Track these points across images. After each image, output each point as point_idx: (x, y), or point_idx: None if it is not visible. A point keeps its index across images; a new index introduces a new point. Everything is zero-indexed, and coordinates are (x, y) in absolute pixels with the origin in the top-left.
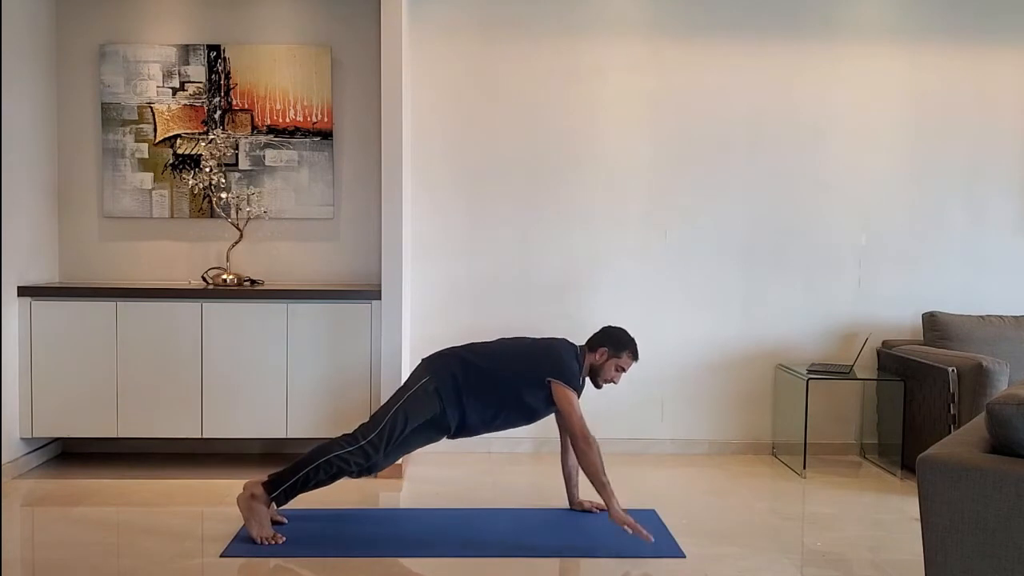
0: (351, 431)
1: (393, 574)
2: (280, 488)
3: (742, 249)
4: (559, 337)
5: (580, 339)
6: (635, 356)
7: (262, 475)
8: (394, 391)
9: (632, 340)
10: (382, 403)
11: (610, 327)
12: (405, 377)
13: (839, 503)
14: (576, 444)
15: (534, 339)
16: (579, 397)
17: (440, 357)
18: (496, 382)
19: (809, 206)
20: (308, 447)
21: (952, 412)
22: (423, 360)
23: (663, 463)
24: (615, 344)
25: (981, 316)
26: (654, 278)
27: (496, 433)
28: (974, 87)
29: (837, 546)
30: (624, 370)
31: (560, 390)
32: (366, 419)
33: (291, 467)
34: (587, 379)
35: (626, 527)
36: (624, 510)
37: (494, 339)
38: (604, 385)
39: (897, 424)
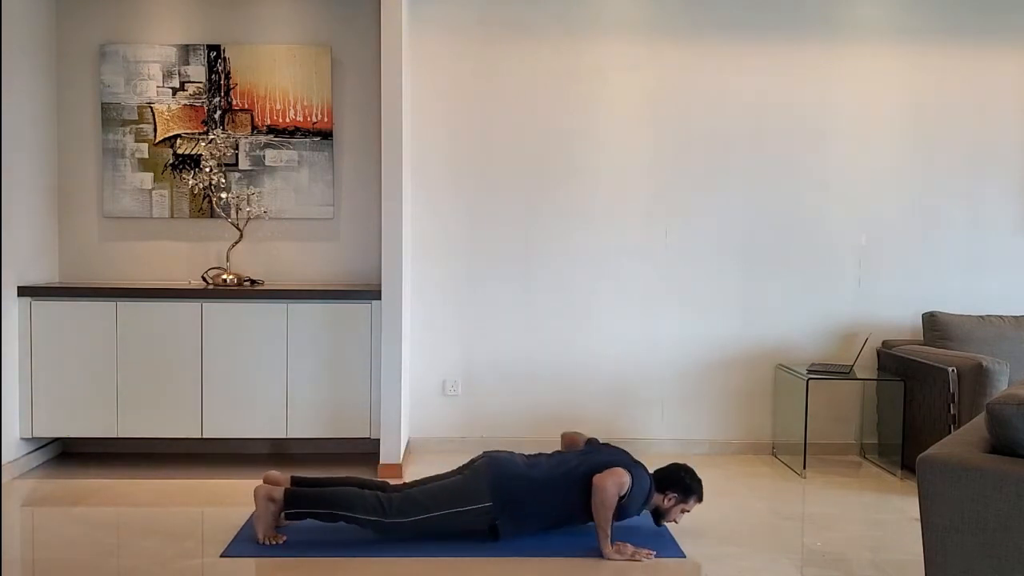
0: (394, 495)
1: (393, 574)
2: (299, 510)
3: (742, 249)
4: (633, 462)
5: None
6: (701, 499)
7: (260, 473)
8: (449, 474)
9: (700, 485)
10: (382, 405)
11: (680, 468)
12: (406, 377)
13: (839, 503)
14: (595, 496)
15: (606, 464)
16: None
17: (506, 480)
18: (558, 508)
19: (809, 206)
20: (308, 448)
21: (952, 412)
22: (488, 467)
23: (663, 463)
24: (685, 490)
25: (981, 316)
26: (654, 277)
27: (497, 435)
28: (974, 87)
29: (837, 546)
30: (688, 512)
31: (616, 472)
32: (366, 420)
33: (319, 497)
34: (647, 511)
35: (623, 559)
36: (614, 544)
37: (559, 455)
38: (665, 524)
39: (897, 424)
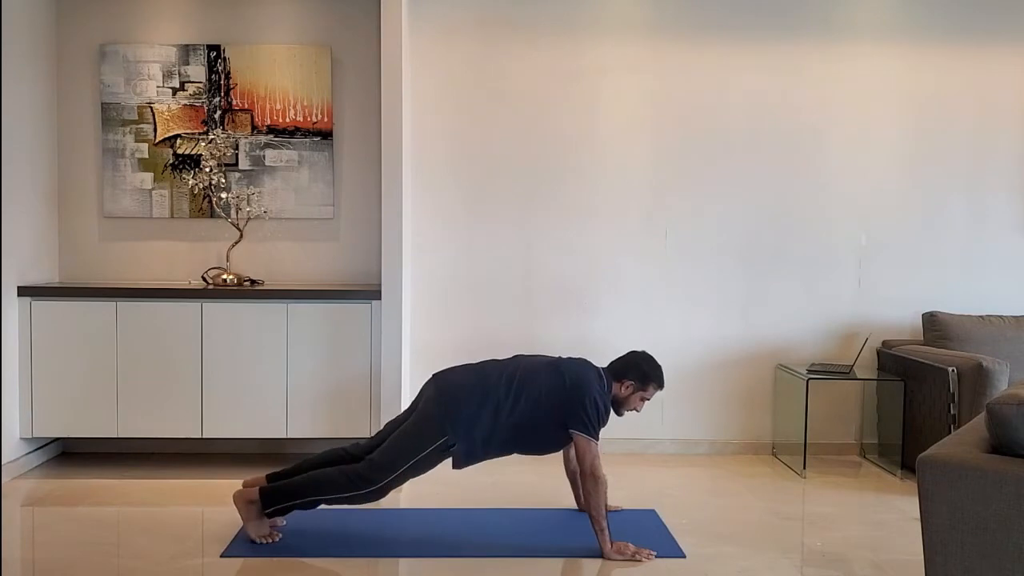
0: (358, 465)
1: (393, 574)
2: (276, 506)
3: (742, 249)
4: (582, 361)
5: (581, 337)
6: (661, 386)
7: (260, 473)
8: (402, 412)
9: (659, 369)
10: (382, 406)
11: (636, 355)
12: (407, 377)
13: (839, 503)
14: (585, 480)
15: (557, 370)
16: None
17: (459, 406)
18: (518, 431)
19: (809, 206)
20: (308, 448)
21: (952, 412)
22: (436, 385)
23: (663, 463)
24: (642, 377)
25: (981, 316)
26: (654, 278)
27: None
28: (974, 87)
29: (837, 546)
30: (648, 400)
31: (582, 441)
32: (366, 421)
33: (288, 489)
34: (611, 410)
35: (624, 559)
36: (614, 544)
37: (508, 365)
38: (626, 413)
39: (897, 424)
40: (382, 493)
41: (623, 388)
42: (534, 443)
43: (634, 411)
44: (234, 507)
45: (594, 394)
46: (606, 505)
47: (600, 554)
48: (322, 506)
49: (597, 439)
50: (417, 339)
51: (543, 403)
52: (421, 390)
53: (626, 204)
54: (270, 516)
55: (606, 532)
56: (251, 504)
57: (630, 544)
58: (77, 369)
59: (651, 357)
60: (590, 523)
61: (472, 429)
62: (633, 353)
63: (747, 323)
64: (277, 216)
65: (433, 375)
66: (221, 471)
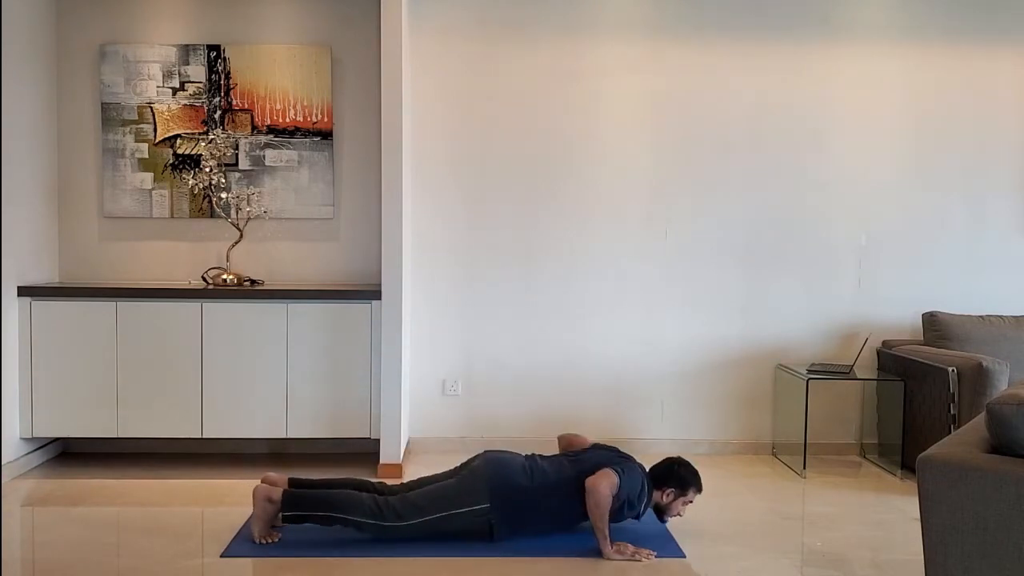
0: (392, 497)
1: (393, 574)
2: (297, 512)
3: (742, 249)
4: (631, 463)
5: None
6: (700, 490)
7: (260, 473)
8: (441, 472)
9: (697, 475)
10: (383, 405)
11: (673, 462)
12: (407, 377)
13: (839, 503)
14: (589, 496)
15: (608, 467)
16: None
17: (505, 482)
18: (556, 510)
19: (809, 206)
20: (308, 448)
21: (952, 412)
22: (485, 466)
23: None
24: (682, 484)
25: (981, 316)
26: (654, 278)
27: (497, 435)
28: (974, 87)
29: (837, 546)
30: (691, 503)
31: (609, 471)
32: (366, 420)
33: (312, 500)
34: (650, 509)
35: (624, 559)
36: (614, 544)
37: (558, 457)
38: (668, 519)
39: (897, 424)
40: (399, 533)
41: (664, 496)
42: (571, 502)
43: (678, 516)
44: (236, 507)
45: (636, 483)
46: (608, 514)
47: (600, 554)
48: (336, 526)
49: (620, 487)
50: (417, 339)
51: (586, 472)
52: (468, 460)
53: (626, 204)
54: (285, 521)
55: (606, 533)
56: (270, 503)
57: (629, 544)
58: (77, 369)
59: (688, 463)
60: (593, 528)
61: (514, 502)
62: (669, 460)
63: (747, 323)
64: (277, 216)
65: (484, 451)
66: (221, 471)
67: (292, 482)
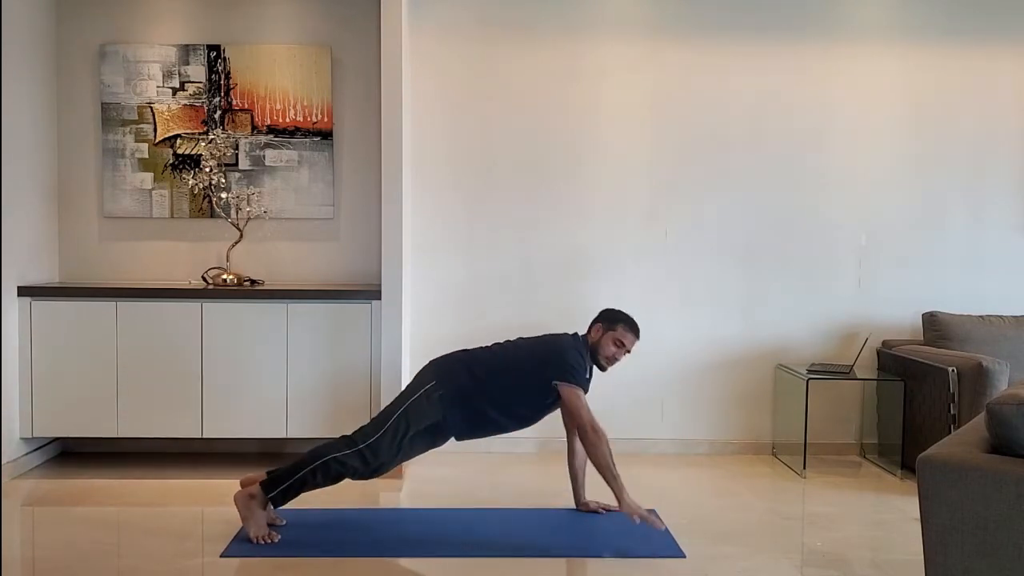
0: (351, 433)
1: (393, 574)
2: (277, 488)
3: (742, 249)
4: (561, 333)
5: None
6: (631, 329)
7: (260, 472)
8: (397, 393)
9: (626, 314)
10: (384, 405)
11: (605, 309)
12: (407, 377)
13: (839, 503)
14: (585, 437)
15: (536, 339)
16: (587, 390)
17: (447, 361)
18: (503, 388)
19: (809, 206)
20: (308, 447)
21: (952, 412)
22: (431, 362)
23: (663, 463)
24: (608, 319)
25: (981, 316)
26: (654, 278)
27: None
28: (974, 87)
29: (837, 546)
30: (623, 344)
31: (566, 390)
32: (367, 420)
33: (289, 468)
34: (594, 366)
35: (636, 517)
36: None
37: (495, 343)
38: (608, 365)
39: (897, 424)
40: (379, 449)
41: (593, 333)
42: (523, 403)
43: (615, 360)
44: (234, 508)
45: (568, 344)
46: (611, 456)
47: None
48: (326, 487)
49: (584, 390)
50: (417, 339)
51: (525, 363)
52: (417, 375)
53: (626, 204)
54: (275, 503)
55: (619, 481)
56: (251, 499)
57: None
58: (77, 369)
59: (619, 309)
60: (604, 479)
61: (459, 377)
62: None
63: (747, 323)
64: (277, 216)
65: (431, 361)
66: (221, 471)
67: (268, 473)
